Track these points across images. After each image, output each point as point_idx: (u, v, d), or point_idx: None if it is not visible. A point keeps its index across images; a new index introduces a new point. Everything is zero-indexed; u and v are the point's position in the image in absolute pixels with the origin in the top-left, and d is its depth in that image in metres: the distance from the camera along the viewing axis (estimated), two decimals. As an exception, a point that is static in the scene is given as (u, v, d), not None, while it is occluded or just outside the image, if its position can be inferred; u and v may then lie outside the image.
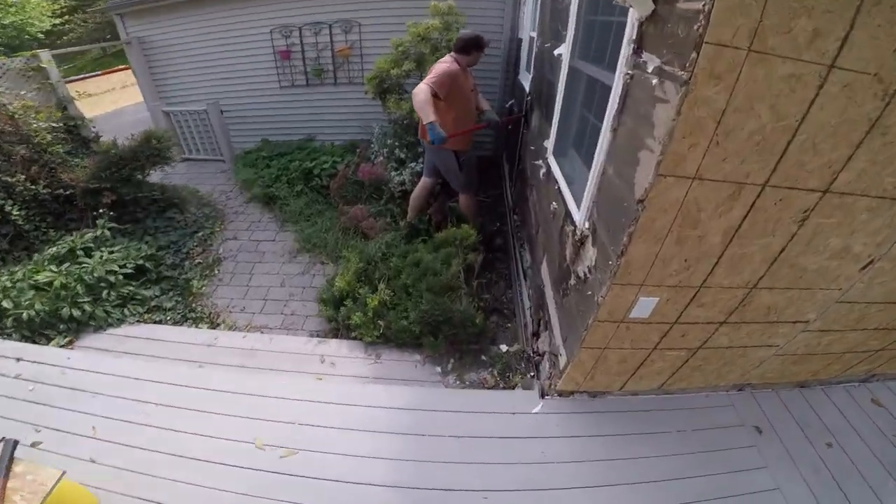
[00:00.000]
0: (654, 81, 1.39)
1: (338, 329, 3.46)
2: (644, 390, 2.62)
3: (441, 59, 3.57)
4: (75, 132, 5.26)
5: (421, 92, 3.17)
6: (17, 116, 4.46)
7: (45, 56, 5.18)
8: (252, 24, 5.84)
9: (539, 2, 3.92)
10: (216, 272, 4.39)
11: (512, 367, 3.02)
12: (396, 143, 4.63)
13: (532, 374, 2.93)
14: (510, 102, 5.51)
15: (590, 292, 1.99)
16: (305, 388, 2.93)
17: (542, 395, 2.72)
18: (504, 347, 3.21)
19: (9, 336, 3.41)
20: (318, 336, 3.54)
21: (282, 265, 4.41)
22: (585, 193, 2.04)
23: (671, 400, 2.68)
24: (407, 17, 4.99)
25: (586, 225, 2.07)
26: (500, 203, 5.16)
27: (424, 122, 3.17)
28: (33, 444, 2.50)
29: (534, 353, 3.05)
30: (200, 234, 4.85)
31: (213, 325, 3.74)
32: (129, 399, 2.85)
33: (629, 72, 1.58)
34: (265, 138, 6.47)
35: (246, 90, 6.34)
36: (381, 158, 4.64)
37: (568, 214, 2.37)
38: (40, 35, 16.44)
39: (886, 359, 2.49)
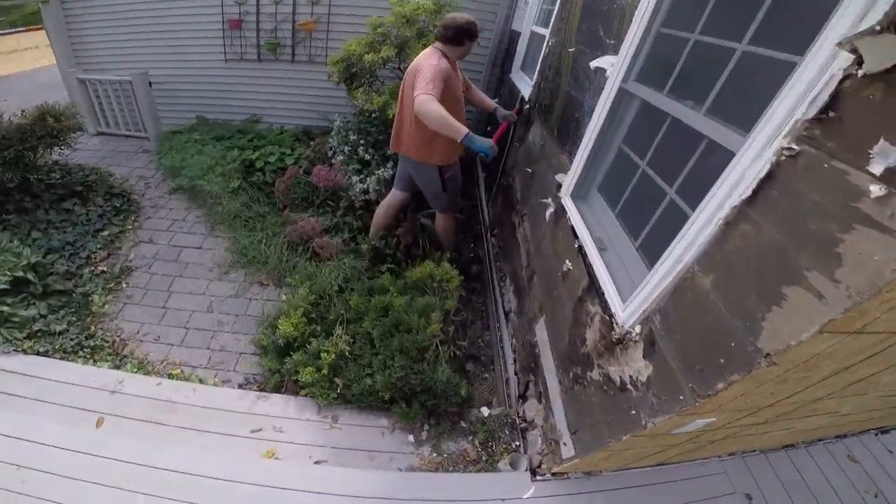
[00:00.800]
0: (870, 188, 0.84)
1: (282, 381, 2.87)
2: (641, 465, 2.43)
3: (425, 53, 2.94)
4: None
5: (429, 102, 2.59)
6: None
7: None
8: None
9: None
10: (124, 285, 3.64)
11: (495, 436, 2.64)
12: (361, 141, 3.99)
13: (517, 443, 2.60)
14: (494, 101, 4.86)
15: (632, 410, 1.61)
16: (241, 466, 2.37)
17: (533, 474, 2.39)
18: (486, 411, 2.79)
19: None
20: (255, 386, 2.98)
21: (209, 283, 3.70)
22: (640, 288, 1.60)
23: (666, 472, 2.52)
24: None
25: (636, 329, 1.62)
26: (473, 217, 4.62)
27: (458, 138, 2.59)
28: None
29: (520, 418, 2.69)
30: (106, 232, 4.04)
31: (118, 360, 3.08)
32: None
33: (792, 147, 1.03)
34: (201, 115, 5.67)
35: (183, 61, 5.53)
36: (341, 157, 3.98)
37: (595, 291, 1.95)
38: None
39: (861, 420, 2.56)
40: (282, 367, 2.84)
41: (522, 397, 2.75)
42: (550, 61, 3.23)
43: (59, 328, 3.17)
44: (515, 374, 2.90)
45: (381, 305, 2.93)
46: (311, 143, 4.59)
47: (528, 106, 3.54)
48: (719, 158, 1.36)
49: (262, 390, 2.90)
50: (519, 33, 4.63)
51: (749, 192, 1.13)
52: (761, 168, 1.09)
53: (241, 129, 5.25)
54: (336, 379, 2.72)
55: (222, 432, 2.57)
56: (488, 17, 5.01)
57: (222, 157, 4.63)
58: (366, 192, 3.82)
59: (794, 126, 1.02)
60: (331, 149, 4.26)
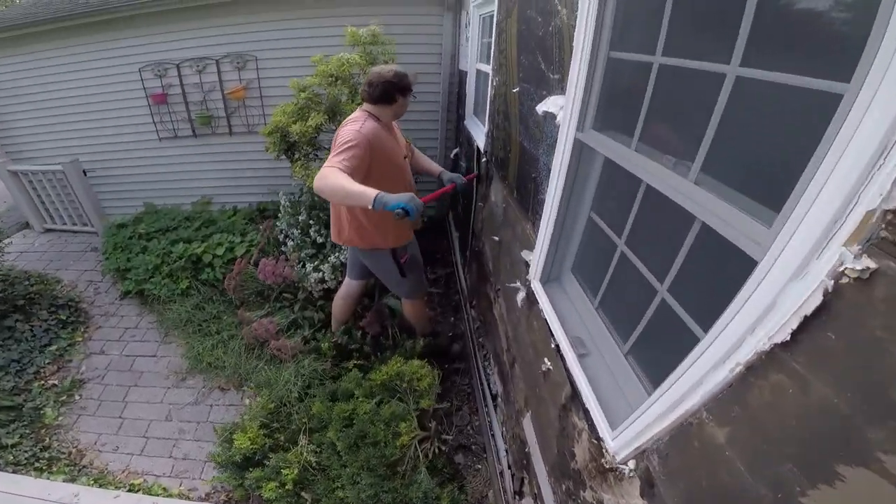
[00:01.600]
0: None
1: (247, 493, 2.72)
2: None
3: (350, 117, 2.57)
4: None
5: (325, 177, 2.15)
6: None
7: None
8: (118, 62, 4.94)
9: (494, 21, 2.97)
10: (77, 397, 3.55)
11: None
12: (311, 221, 3.68)
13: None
14: (454, 152, 4.91)
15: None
16: None
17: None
18: None
19: None
20: (223, 496, 2.83)
21: (167, 391, 3.56)
22: (633, 419, 1.25)
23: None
24: (318, 48, 4.17)
25: (630, 464, 1.31)
26: (451, 283, 4.41)
27: (368, 205, 2.05)
28: None
29: None
30: (54, 347, 3.91)
31: (77, 470, 3.00)
32: None
33: (866, 264, 0.60)
34: (149, 202, 5.49)
35: (116, 143, 5.38)
36: (292, 243, 3.66)
37: (580, 403, 1.62)
38: None
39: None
40: (243, 481, 2.69)
41: (518, 493, 2.49)
42: (498, 105, 2.87)
43: (10, 441, 3.11)
44: (509, 467, 2.65)
45: (345, 414, 2.74)
46: (262, 225, 4.33)
47: (485, 159, 3.23)
48: (728, 253, 0.95)
49: (228, 502, 2.80)
50: (466, 73, 4.40)
51: (787, 336, 0.73)
52: (807, 297, 0.68)
53: (190, 215, 5.05)
54: (303, 493, 2.59)
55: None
56: (432, 60, 4.86)
57: (168, 254, 4.43)
58: (322, 280, 3.62)
59: (868, 221, 0.60)
60: (281, 231, 4.04)
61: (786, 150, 0.90)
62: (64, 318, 4.15)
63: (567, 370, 1.70)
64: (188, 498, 2.80)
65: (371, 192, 2.05)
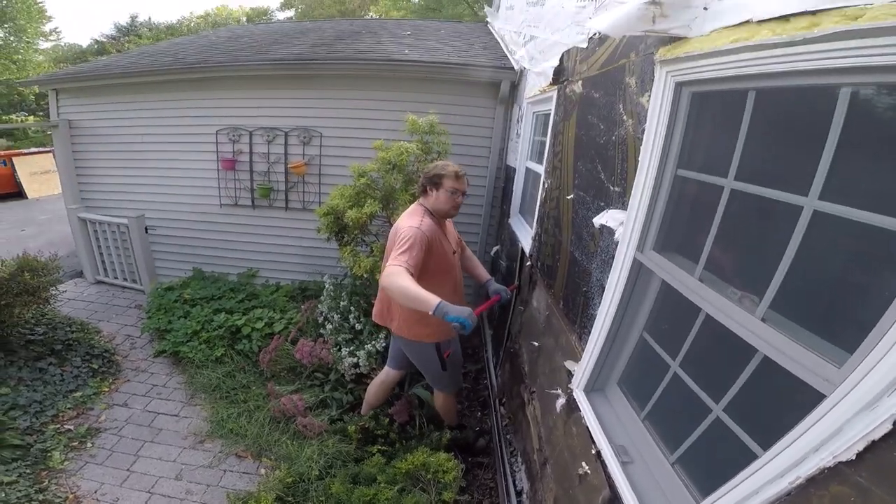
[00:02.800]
0: None
1: None
2: None
3: (407, 212, 2.73)
4: None
5: (394, 276, 2.27)
6: None
7: None
8: (198, 121, 5.32)
9: (550, 121, 2.98)
10: (89, 445, 3.50)
11: None
12: (352, 307, 3.95)
13: None
14: (495, 249, 4.92)
15: None
16: None
17: None
18: None
19: None
20: None
21: (181, 451, 3.52)
22: None
23: None
24: (378, 130, 4.55)
25: None
26: (480, 379, 4.38)
27: (430, 311, 2.17)
28: None
29: None
30: (79, 394, 3.94)
31: None
32: None
33: None
34: (198, 268, 5.77)
35: (180, 203, 5.67)
36: (331, 326, 3.82)
37: None
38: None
39: None
40: None
41: None
42: (548, 209, 2.84)
43: (6, 479, 3.00)
44: None
45: (366, 499, 2.69)
46: (303, 305, 4.48)
47: (528, 263, 3.26)
48: (793, 383, 0.97)
49: None
50: (514, 169, 4.35)
51: (852, 455, 0.78)
52: (876, 426, 0.73)
53: (235, 286, 5.27)
54: None
55: None
56: (482, 153, 4.97)
57: (209, 322, 4.60)
58: (356, 365, 3.69)
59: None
60: (321, 314, 4.19)
61: (861, 290, 0.92)
62: (96, 367, 4.23)
63: (608, 475, 1.67)
64: None
65: (434, 299, 2.17)
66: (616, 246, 1.74)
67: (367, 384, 3.43)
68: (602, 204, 1.95)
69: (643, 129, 1.56)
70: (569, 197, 2.43)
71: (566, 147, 2.54)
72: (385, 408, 3.46)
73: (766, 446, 0.99)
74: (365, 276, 3.63)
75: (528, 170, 4.02)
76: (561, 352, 2.38)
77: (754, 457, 1.02)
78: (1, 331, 3.82)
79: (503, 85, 4.61)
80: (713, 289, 1.27)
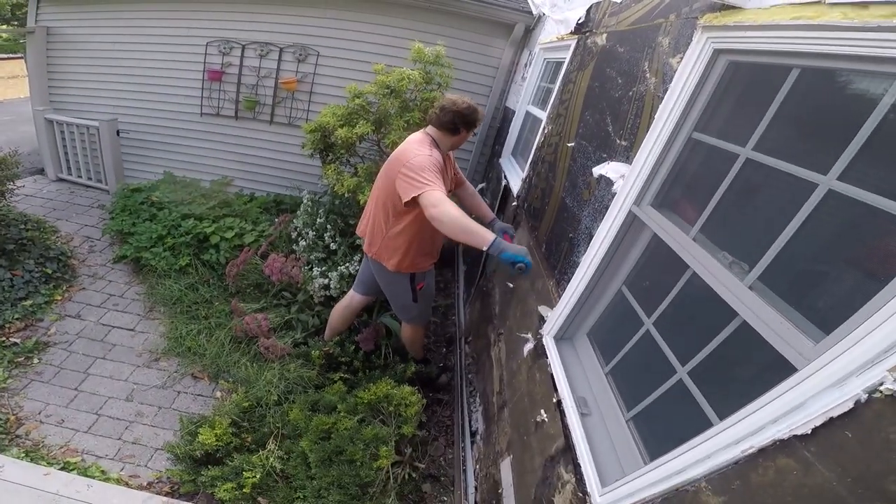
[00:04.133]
0: None
1: (196, 489, 2.56)
2: None
3: (413, 139, 2.51)
4: None
5: (444, 202, 2.08)
6: None
7: None
8: (186, 31, 5.08)
9: (563, 70, 2.93)
10: (35, 361, 3.31)
11: None
12: (328, 225, 3.74)
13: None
14: (480, 186, 4.92)
15: None
16: None
17: None
18: None
19: None
20: (166, 487, 2.64)
21: (135, 370, 3.36)
22: (626, 480, 1.29)
23: None
24: (381, 57, 4.38)
25: None
26: (449, 315, 4.32)
27: (484, 246, 2.00)
28: None
29: None
30: (29, 302, 3.70)
31: (8, 440, 2.75)
32: None
33: None
34: (169, 171, 5.45)
35: (157, 111, 5.45)
36: (304, 242, 3.61)
37: (571, 458, 1.62)
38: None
39: None
40: (196, 477, 2.54)
41: None
42: (545, 154, 2.82)
43: None
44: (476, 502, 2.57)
45: (324, 427, 2.61)
46: (278, 217, 4.26)
47: (514, 203, 3.20)
48: (763, 355, 1.02)
49: (171, 494, 2.58)
50: (513, 112, 4.36)
51: (808, 430, 0.81)
52: (839, 404, 0.76)
53: (207, 192, 4.99)
54: (260, 498, 2.44)
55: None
56: (482, 91, 4.93)
57: (176, 227, 4.36)
58: (327, 287, 3.52)
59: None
60: (295, 229, 3.97)
61: (853, 275, 0.96)
62: (50, 271, 3.99)
63: (565, 425, 1.71)
64: (127, 484, 2.59)
65: (489, 234, 2.03)
66: (612, 197, 1.75)
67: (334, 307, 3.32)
68: (604, 155, 1.94)
69: (666, 89, 1.55)
70: (570, 144, 2.40)
71: (576, 96, 2.50)
72: (351, 334, 3.36)
73: (722, 415, 1.06)
74: (347, 195, 3.52)
75: (528, 114, 3.99)
76: (536, 296, 2.36)
77: (708, 423, 1.10)
78: None
79: (518, 27, 4.58)
80: (706, 250, 1.29)
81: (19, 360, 3.26)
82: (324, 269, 3.55)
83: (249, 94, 5.07)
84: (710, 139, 1.42)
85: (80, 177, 5.68)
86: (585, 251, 1.86)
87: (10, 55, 11.33)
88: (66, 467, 2.61)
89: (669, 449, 1.13)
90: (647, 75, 1.76)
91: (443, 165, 2.46)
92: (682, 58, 1.51)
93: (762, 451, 0.88)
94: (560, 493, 1.64)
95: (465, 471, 2.80)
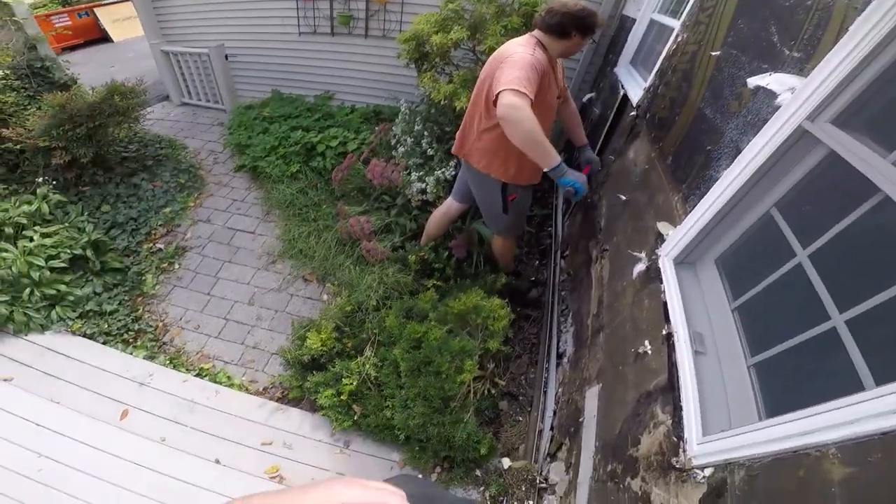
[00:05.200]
0: None
1: (303, 394, 2.84)
2: None
3: (517, 40, 2.32)
4: (44, 75, 4.64)
5: (520, 107, 1.97)
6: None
7: (13, -10, 4.61)
8: None
9: None
10: (176, 266, 3.76)
11: (510, 491, 2.41)
12: (425, 132, 3.74)
13: (531, 503, 2.34)
14: (588, 97, 4.49)
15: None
16: (241, 483, 2.45)
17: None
18: (506, 462, 2.54)
19: None
20: (278, 392, 2.97)
21: (255, 272, 3.71)
22: (735, 433, 1.17)
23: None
24: None
25: (706, 472, 1.23)
26: (545, 226, 4.13)
27: (546, 166, 2.13)
28: None
29: (541, 477, 2.39)
30: (169, 209, 4.17)
31: (158, 347, 3.20)
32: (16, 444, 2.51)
33: None
34: (276, 89, 5.66)
35: (259, 34, 5.50)
36: (403, 149, 3.76)
37: (671, 398, 1.48)
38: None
39: None
40: (303, 383, 2.79)
41: (552, 456, 2.42)
42: (677, 63, 2.48)
43: (109, 308, 3.32)
44: (551, 428, 2.56)
45: (416, 336, 2.67)
46: (377, 126, 4.32)
47: (634, 113, 2.84)
48: None
49: (282, 399, 2.92)
50: (633, 20, 3.84)
51: None
52: None
53: (312, 106, 5.16)
54: (354, 406, 2.63)
55: (234, 440, 2.64)
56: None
57: (286, 138, 4.60)
58: (423, 191, 3.51)
59: None
60: (394, 136, 3.98)
61: None
62: (183, 181, 4.44)
63: (671, 362, 1.54)
64: (247, 390, 2.94)
65: (556, 156, 2.06)
66: (774, 111, 1.44)
67: (432, 213, 3.30)
68: (765, 66, 1.64)
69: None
70: (714, 53, 2.06)
71: (724, 2, 2.13)
72: (445, 240, 3.36)
73: (878, 379, 0.90)
74: (443, 102, 3.40)
75: (652, 21, 3.56)
76: (654, 211, 2.10)
77: (859, 384, 0.94)
78: (98, 148, 4.01)
79: None
80: None
81: (164, 265, 3.71)
82: (421, 174, 3.53)
83: (343, 10, 4.95)
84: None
85: (199, 100, 6.08)
86: (728, 167, 1.58)
87: (119, -1, 12.16)
88: (200, 373, 3.02)
89: (797, 406, 0.98)
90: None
91: (547, 69, 2.23)
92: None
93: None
94: (650, 433, 1.53)
95: (545, 393, 2.78)
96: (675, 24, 2.68)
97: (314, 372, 2.74)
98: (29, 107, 4.17)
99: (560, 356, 2.87)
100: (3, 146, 3.84)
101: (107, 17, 10.92)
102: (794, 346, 1.21)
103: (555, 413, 2.61)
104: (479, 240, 3.34)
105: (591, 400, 2.15)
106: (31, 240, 3.29)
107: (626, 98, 3.12)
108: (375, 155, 4.05)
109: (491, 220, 2.90)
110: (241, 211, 4.25)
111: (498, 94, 2.01)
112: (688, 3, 2.57)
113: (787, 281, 1.33)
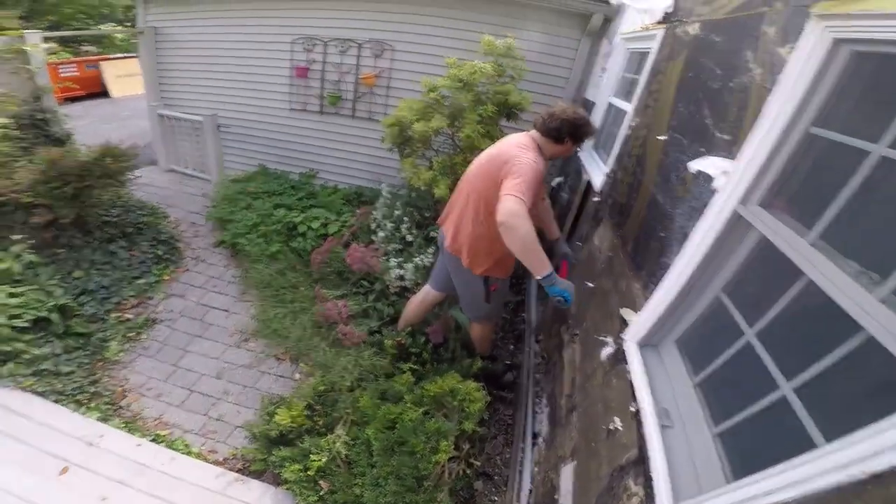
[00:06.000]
0: None
1: (266, 467, 2.73)
2: None
3: (519, 141, 2.39)
4: (42, 127, 4.70)
5: (522, 217, 2.03)
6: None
7: (34, 38, 4.71)
8: (274, 30, 5.34)
9: (650, 60, 2.75)
10: (144, 337, 3.66)
11: None
12: (405, 217, 3.78)
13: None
14: (557, 181, 4.73)
15: None
16: None
17: None
18: None
19: None
20: (239, 464, 2.84)
21: (226, 349, 3.63)
22: (707, 497, 1.19)
23: None
24: (451, 49, 4.38)
25: None
26: (518, 311, 4.22)
27: (538, 274, 2.12)
28: None
29: None
30: (143, 280, 4.11)
31: (113, 410, 3.06)
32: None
33: None
34: (262, 164, 5.87)
35: (252, 106, 5.82)
36: (383, 234, 3.70)
37: (643, 471, 1.51)
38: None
39: None
40: (267, 457, 2.69)
41: None
42: (631, 148, 2.64)
43: (66, 369, 3.20)
44: None
45: (391, 417, 2.65)
46: (359, 208, 4.40)
47: (596, 199, 3.02)
48: (891, 373, 0.88)
49: (243, 470, 2.78)
50: (593, 104, 4.15)
51: None
52: None
53: (296, 184, 5.33)
54: (321, 482, 2.52)
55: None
56: (558, 83, 4.81)
57: (269, 216, 4.68)
58: (402, 278, 3.59)
59: None
60: (374, 220, 4.07)
61: None
62: (160, 252, 4.40)
63: (641, 436, 1.57)
64: (205, 459, 2.81)
65: (548, 265, 2.10)
66: (712, 195, 1.57)
67: (409, 298, 3.35)
68: (702, 149, 1.78)
69: (775, 80, 1.37)
70: (661, 137, 2.21)
71: (666, 87, 2.34)
72: (422, 325, 3.38)
73: (829, 437, 0.95)
74: (423, 188, 3.55)
75: (610, 105, 3.78)
76: (619, 297, 2.19)
77: (810, 444, 0.99)
78: (81, 210, 3.97)
79: (595, 18, 4.41)
80: (827, 257, 1.11)
81: (131, 334, 3.60)
82: (400, 259, 3.61)
83: (333, 90, 5.25)
84: (834, 135, 1.21)
85: (186, 167, 6.23)
86: (679, 252, 1.68)
87: (127, 55, 12.46)
88: (156, 439, 2.87)
89: (758, 468, 1.03)
90: (751, 66, 1.61)
91: (542, 175, 2.35)
92: (791, 47, 1.34)
93: (877, 478, 0.77)
94: (625, 505, 1.55)
95: (521, 472, 2.75)
96: (629, 107, 2.87)
97: (281, 447, 2.65)
98: (20, 158, 4.10)
99: (535, 436, 2.86)
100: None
101: (110, 72, 11.19)
102: (751, 414, 1.28)
103: (531, 492, 2.57)
104: (455, 326, 3.39)
105: (567, 477, 2.15)
106: (-4, 298, 3.19)
107: (589, 184, 3.28)
108: (356, 238, 4.14)
109: (471, 308, 2.96)
110: (216, 288, 4.21)
111: (501, 197, 2.08)
112: (638, 87, 2.77)
113: (740, 357, 1.42)
